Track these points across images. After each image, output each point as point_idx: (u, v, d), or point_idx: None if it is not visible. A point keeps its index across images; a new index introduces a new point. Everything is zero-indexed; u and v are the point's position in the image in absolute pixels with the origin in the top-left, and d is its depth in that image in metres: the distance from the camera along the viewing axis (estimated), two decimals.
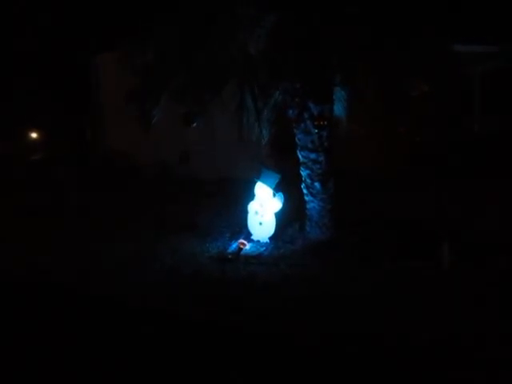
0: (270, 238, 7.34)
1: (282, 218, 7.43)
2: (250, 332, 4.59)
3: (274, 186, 7.26)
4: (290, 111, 7.03)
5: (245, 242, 6.97)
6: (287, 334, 4.51)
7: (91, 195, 10.21)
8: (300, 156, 7.27)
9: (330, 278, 5.78)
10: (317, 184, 7.21)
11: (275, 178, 7.27)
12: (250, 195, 7.45)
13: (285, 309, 5.04)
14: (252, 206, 7.41)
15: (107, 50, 11.14)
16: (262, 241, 7.33)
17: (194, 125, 6.44)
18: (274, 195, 7.27)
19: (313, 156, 7.10)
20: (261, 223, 7.34)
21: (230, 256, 6.70)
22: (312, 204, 7.34)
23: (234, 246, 7.13)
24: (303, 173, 7.30)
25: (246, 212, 7.48)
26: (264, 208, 7.30)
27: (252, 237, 7.42)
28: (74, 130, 18.14)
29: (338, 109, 7.43)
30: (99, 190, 10.50)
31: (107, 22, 10.97)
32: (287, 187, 7.49)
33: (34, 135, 21.45)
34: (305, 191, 7.37)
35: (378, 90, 6.54)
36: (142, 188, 10.14)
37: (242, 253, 6.82)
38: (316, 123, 6.49)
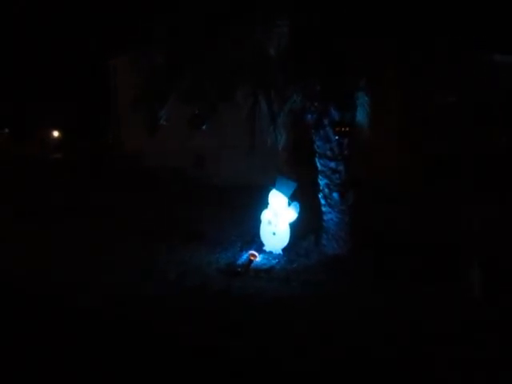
0: (283, 250, 6.75)
1: (296, 229, 6.84)
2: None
3: (289, 195, 6.67)
4: (309, 116, 6.44)
5: (256, 253, 6.40)
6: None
7: (106, 197, 9.74)
8: (318, 164, 6.67)
9: (344, 305, 5.12)
10: (335, 194, 6.60)
11: (291, 186, 6.69)
12: (263, 203, 6.88)
13: (286, 343, 4.36)
14: (265, 215, 6.84)
15: (124, 53, 10.74)
16: (274, 252, 6.75)
17: (204, 127, 5.89)
18: (289, 204, 6.69)
19: (332, 165, 6.50)
20: (274, 233, 6.76)
21: (239, 269, 6.13)
22: (329, 215, 6.72)
23: (245, 257, 6.56)
24: (321, 182, 6.70)
25: (258, 221, 6.91)
26: (278, 218, 6.72)
27: (264, 248, 6.84)
28: (95, 132, 17.93)
29: (360, 115, 6.80)
30: (114, 192, 10.04)
31: (123, 24, 10.58)
32: (303, 196, 6.89)
33: (56, 135, 21.34)
34: (322, 202, 6.76)
35: (403, 100, 5.90)
36: (155, 191, 9.64)
37: (252, 265, 6.25)
38: (337, 129, 5.88)
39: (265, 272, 6.07)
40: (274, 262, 6.48)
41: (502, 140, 10.19)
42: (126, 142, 12.00)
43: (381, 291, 5.39)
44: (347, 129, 5.93)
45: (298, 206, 6.67)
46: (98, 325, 4.64)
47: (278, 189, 6.70)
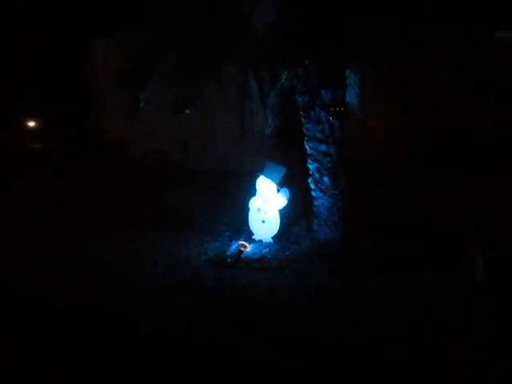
0: (274, 238, 6.44)
1: (286, 216, 6.51)
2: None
3: (278, 181, 6.33)
4: (298, 98, 6.06)
5: (246, 243, 6.06)
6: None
7: (86, 187, 9.23)
8: (308, 147, 6.33)
9: (342, 292, 4.87)
10: (326, 179, 6.28)
11: (280, 171, 6.34)
12: (252, 190, 6.53)
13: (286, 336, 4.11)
14: (254, 203, 6.49)
15: (103, 34, 10.14)
16: (264, 241, 6.44)
17: (188, 111, 5.46)
18: (279, 190, 6.35)
19: (322, 148, 6.16)
20: (263, 221, 6.42)
21: (229, 260, 5.80)
22: (320, 200, 6.41)
23: (234, 246, 6.23)
24: (311, 166, 6.36)
25: (247, 208, 6.56)
26: (267, 205, 6.39)
27: (254, 236, 6.52)
28: (74, 118, 17.19)
29: (350, 96, 6.45)
30: (95, 182, 9.53)
31: (102, 4, 9.97)
32: (293, 182, 6.56)
33: (32, 123, 20.45)
34: (312, 186, 6.44)
35: (402, 76, 5.55)
36: (138, 179, 9.19)
37: (242, 255, 5.92)
38: (332, 110, 5.52)
39: (256, 262, 5.76)
40: (264, 250, 6.17)
41: (487, 119, 9.61)
42: (107, 128, 11.43)
43: (378, 278, 5.13)
44: (342, 109, 5.56)
45: (287, 191, 6.34)
46: (81, 325, 4.29)
47: (266, 175, 6.34)
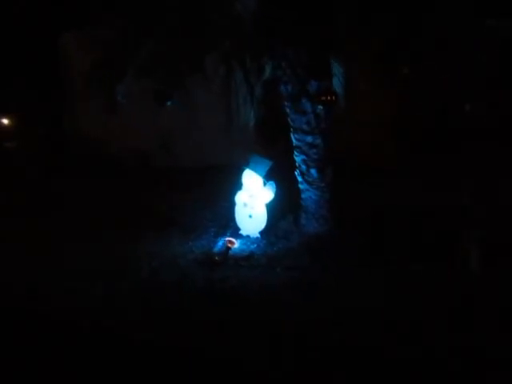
0: (261, 233, 6.23)
1: (273, 210, 6.30)
2: None
3: (264, 174, 6.11)
4: (283, 87, 5.83)
5: (233, 240, 5.84)
6: None
7: (64, 188, 8.80)
8: (293, 139, 6.12)
9: (335, 291, 4.68)
10: (313, 171, 6.08)
11: (266, 164, 6.11)
12: (237, 185, 6.29)
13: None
14: (240, 197, 6.26)
15: (75, 26, 9.65)
16: (252, 236, 6.22)
17: (169, 104, 5.17)
18: (265, 184, 6.13)
19: (308, 139, 5.95)
20: (250, 216, 6.19)
21: (216, 258, 5.56)
22: (308, 193, 6.22)
23: (221, 243, 6.00)
24: (297, 158, 6.16)
25: (233, 204, 6.33)
26: (254, 199, 6.16)
27: (240, 232, 6.29)
28: (49, 117, 16.59)
29: (335, 85, 6.24)
30: (73, 183, 9.10)
31: None
32: (279, 175, 6.34)
33: (5, 121, 19.76)
34: (299, 179, 6.24)
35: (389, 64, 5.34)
36: (118, 179, 8.80)
37: (230, 252, 5.69)
38: (323, 98, 5.29)
39: (245, 259, 5.54)
40: (252, 246, 5.95)
41: (465, 108, 9.40)
42: (84, 126, 10.96)
43: (370, 273, 4.97)
44: (333, 98, 5.34)
45: (274, 185, 6.13)
46: (63, 337, 4.01)
47: (251, 168, 6.11)
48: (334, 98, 5.35)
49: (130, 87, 4.92)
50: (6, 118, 19.30)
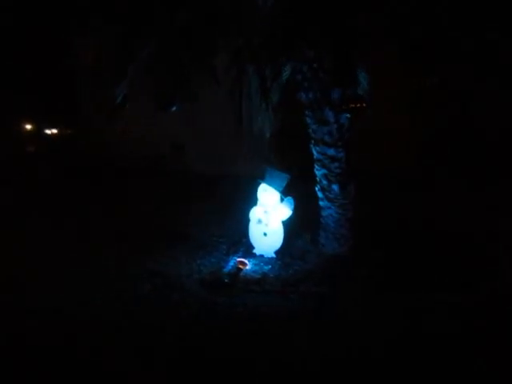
0: (277, 253, 5.63)
1: (290, 228, 5.71)
2: None
3: (281, 189, 5.52)
4: (303, 94, 5.26)
5: (245, 261, 5.26)
6: None
7: (69, 192, 8.34)
8: (314, 152, 5.54)
9: (360, 323, 4.04)
10: (335, 186, 5.49)
11: (283, 178, 5.53)
12: (252, 198, 5.72)
13: None
14: (254, 213, 5.68)
15: (83, 28, 9.27)
16: (266, 255, 5.63)
17: (174, 109, 4.62)
18: (282, 200, 5.55)
19: (331, 152, 5.37)
20: (265, 234, 5.62)
21: (226, 280, 4.98)
22: (328, 211, 5.62)
23: (232, 263, 5.42)
24: (318, 172, 5.57)
25: (246, 218, 5.75)
26: (269, 216, 5.57)
27: (254, 251, 5.71)
28: (66, 122, 16.35)
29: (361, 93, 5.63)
30: (83, 190, 8.64)
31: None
32: (297, 190, 5.75)
33: (28, 127, 19.65)
34: (320, 195, 5.65)
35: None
36: (125, 186, 8.34)
37: (241, 274, 5.11)
38: (352, 105, 4.69)
39: (256, 283, 4.93)
40: (266, 268, 5.35)
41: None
42: (97, 133, 10.58)
43: (397, 304, 4.32)
44: (363, 105, 4.73)
45: (291, 201, 5.53)
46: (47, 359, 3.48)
47: (268, 182, 5.54)
48: (363, 105, 4.75)
49: (134, 89, 4.39)
50: (25, 121, 19.15)
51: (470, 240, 5.40)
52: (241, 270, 5.11)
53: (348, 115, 4.88)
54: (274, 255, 5.62)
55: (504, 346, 3.61)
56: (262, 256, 5.62)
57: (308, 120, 5.41)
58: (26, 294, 4.57)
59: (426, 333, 3.83)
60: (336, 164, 5.40)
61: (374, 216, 6.11)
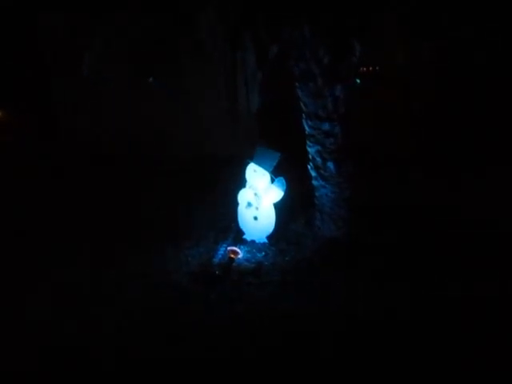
0: (269, 238, 5.16)
1: (282, 211, 5.23)
2: None
3: (272, 169, 5.02)
4: (294, 64, 4.69)
5: (237, 249, 4.76)
6: None
7: (48, 190, 7.60)
8: (306, 127, 5.02)
9: (370, 316, 3.63)
10: (330, 164, 5.00)
11: (274, 157, 5.02)
12: (240, 180, 5.21)
13: None
14: (243, 196, 5.18)
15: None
16: (257, 241, 5.16)
17: (151, 80, 4.02)
18: (273, 181, 5.05)
19: (325, 127, 4.86)
20: (256, 218, 5.14)
21: (217, 272, 4.50)
22: (323, 190, 5.15)
23: (222, 251, 4.94)
24: (311, 149, 5.07)
25: (235, 203, 5.25)
26: (259, 198, 5.08)
27: (244, 236, 5.23)
28: (40, 110, 15.34)
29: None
30: (60, 183, 7.88)
31: None
32: (288, 169, 5.25)
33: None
34: (313, 174, 5.16)
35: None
36: (107, 175, 7.64)
37: (233, 264, 4.63)
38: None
39: (252, 273, 4.46)
40: (259, 255, 4.89)
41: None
42: (74, 121, 9.73)
43: (405, 294, 3.92)
44: (376, 68, 4.19)
45: (283, 181, 5.04)
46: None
47: (257, 162, 5.03)
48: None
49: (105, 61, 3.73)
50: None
51: (482, 227, 4.99)
52: (233, 259, 4.63)
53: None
54: (266, 240, 5.15)
55: None
56: (253, 242, 5.15)
57: (299, 93, 4.87)
58: None
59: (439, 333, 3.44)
60: (331, 140, 4.90)
61: (374, 196, 5.66)
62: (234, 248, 4.74)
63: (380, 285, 4.06)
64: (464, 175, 6.12)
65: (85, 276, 4.48)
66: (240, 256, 4.75)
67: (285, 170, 5.06)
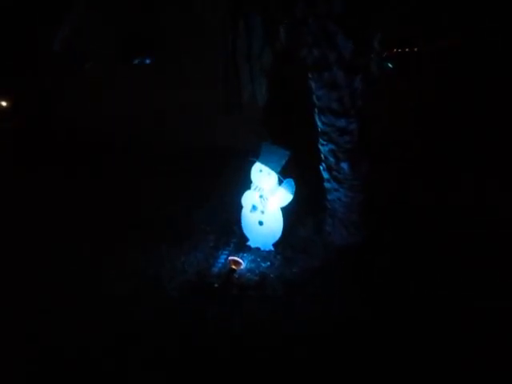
0: (275, 245, 4.60)
1: (288, 215, 4.66)
2: None
3: (280, 169, 4.45)
4: (306, 51, 4.11)
5: (239, 259, 4.21)
6: None
7: (42, 178, 7.10)
8: (319, 123, 4.45)
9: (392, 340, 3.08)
10: (344, 165, 4.43)
11: (282, 156, 4.46)
12: (244, 178, 4.66)
13: None
14: (248, 199, 4.63)
15: None
16: (262, 248, 4.60)
17: (137, 61, 3.49)
18: (281, 182, 4.48)
19: (340, 123, 4.28)
20: (261, 223, 4.59)
21: (216, 284, 3.95)
22: (336, 194, 4.58)
23: (223, 259, 4.41)
24: (323, 148, 4.51)
25: (238, 203, 4.70)
26: (266, 201, 4.53)
27: (248, 243, 4.69)
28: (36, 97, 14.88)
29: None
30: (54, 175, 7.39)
31: None
32: (297, 169, 4.67)
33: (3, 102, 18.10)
34: (325, 175, 4.60)
35: None
36: (100, 167, 7.15)
37: (235, 274, 4.09)
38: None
39: (254, 287, 3.92)
40: (264, 265, 4.34)
41: None
42: (70, 108, 9.29)
43: (428, 312, 3.37)
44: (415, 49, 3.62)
45: (293, 183, 4.48)
46: None
47: (263, 161, 4.47)
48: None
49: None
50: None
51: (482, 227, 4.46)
52: (234, 271, 4.09)
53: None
54: (272, 248, 4.61)
55: None
56: (258, 249, 4.61)
57: (312, 84, 4.29)
58: None
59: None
60: (346, 138, 4.33)
61: (391, 198, 5.09)
62: (237, 258, 4.19)
63: (398, 302, 3.51)
64: (464, 175, 5.61)
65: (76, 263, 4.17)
66: (242, 267, 4.21)
67: (291, 169, 4.48)
